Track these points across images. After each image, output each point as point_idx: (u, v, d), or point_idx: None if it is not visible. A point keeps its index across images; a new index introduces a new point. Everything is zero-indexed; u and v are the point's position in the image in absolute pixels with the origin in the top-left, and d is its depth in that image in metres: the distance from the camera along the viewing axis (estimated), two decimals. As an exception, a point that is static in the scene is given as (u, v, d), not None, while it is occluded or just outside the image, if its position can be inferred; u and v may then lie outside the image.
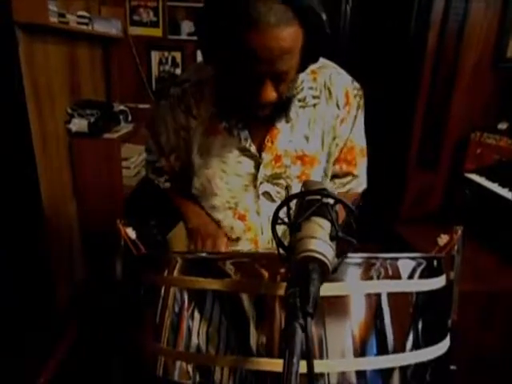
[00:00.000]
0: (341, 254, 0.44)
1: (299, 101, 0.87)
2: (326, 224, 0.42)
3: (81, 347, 1.75)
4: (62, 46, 1.90)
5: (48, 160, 1.78)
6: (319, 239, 0.40)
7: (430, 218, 2.21)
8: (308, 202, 0.44)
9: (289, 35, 0.64)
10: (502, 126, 2.08)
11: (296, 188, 0.91)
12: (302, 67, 0.76)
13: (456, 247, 0.69)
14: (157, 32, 2.47)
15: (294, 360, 0.34)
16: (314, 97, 0.88)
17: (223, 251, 0.85)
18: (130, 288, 0.69)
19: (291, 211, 0.46)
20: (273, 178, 0.92)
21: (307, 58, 0.74)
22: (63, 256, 1.98)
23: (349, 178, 1.01)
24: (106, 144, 1.99)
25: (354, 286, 0.56)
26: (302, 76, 0.86)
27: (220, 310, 0.56)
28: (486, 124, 2.11)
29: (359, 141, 0.97)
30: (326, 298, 0.54)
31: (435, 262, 0.64)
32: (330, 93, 0.88)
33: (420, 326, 0.58)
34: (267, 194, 0.93)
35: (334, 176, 1.00)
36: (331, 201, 0.45)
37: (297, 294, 0.37)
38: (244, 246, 0.99)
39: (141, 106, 2.47)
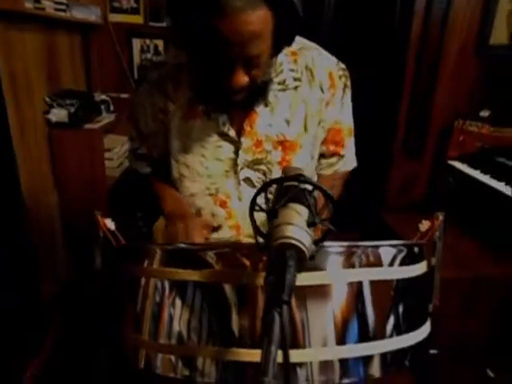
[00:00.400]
0: (319, 240, 0.43)
1: (279, 84, 0.86)
2: (304, 210, 0.42)
3: (66, 342, 1.73)
4: (39, 33, 1.84)
5: (27, 151, 1.73)
6: (296, 226, 0.39)
7: (414, 206, 2.24)
8: (286, 189, 0.44)
9: (257, 19, 0.63)
10: (484, 113, 2.10)
11: (276, 174, 0.90)
12: (276, 51, 0.75)
13: (437, 233, 0.70)
14: (137, 19, 2.41)
15: (272, 348, 0.33)
16: (295, 79, 0.87)
17: (196, 235, 0.83)
18: (109, 280, 0.68)
19: (270, 198, 0.45)
20: (253, 164, 0.90)
21: (280, 41, 0.73)
22: (45, 248, 1.94)
23: (335, 159, 1.01)
24: (88, 135, 1.95)
25: (335, 275, 0.56)
26: (281, 58, 0.85)
27: (201, 300, 0.55)
28: (469, 111, 2.13)
29: (347, 121, 0.97)
30: (307, 287, 0.54)
31: (416, 249, 0.65)
32: (312, 75, 0.87)
33: (401, 312, 0.59)
34: (248, 180, 0.92)
35: (321, 155, 0.99)
36: (309, 187, 0.44)
37: (274, 281, 0.36)
38: (226, 234, 0.97)
39: (123, 95, 2.42)
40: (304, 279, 0.53)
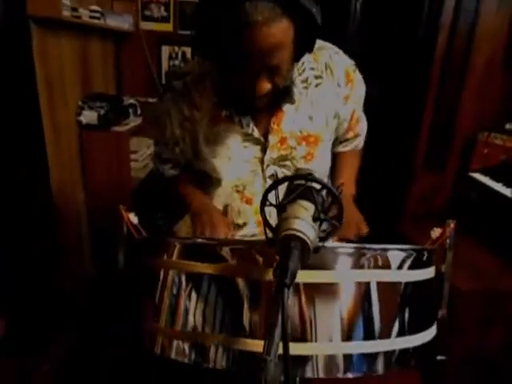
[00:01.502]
0: (326, 236, 0.46)
1: (302, 82, 0.91)
2: (310, 206, 0.45)
3: (84, 337, 1.78)
4: (75, 40, 1.94)
5: (58, 150, 1.82)
6: (302, 219, 0.42)
7: (434, 219, 2.21)
8: (295, 186, 0.47)
9: (278, 31, 0.67)
10: (511, 126, 2.07)
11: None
12: (297, 57, 0.79)
13: (448, 241, 0.71)
14: (167, 27, 2.50)
15: (276, 331, 0.36)
16: (317, 77, 0.92)
17: (221, 228, 0.88)
18: (131, 271, 0.72)
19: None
20: (279, 160, 0.94)
21: (301, 49, 0.77)
22: (72, 246, 2.02)
23: (352, 139, 1.12)
24: (115, 137, 2.03)
25: (344, 274, 0.58)
26: (302, 58, 0.88)
27: (216, 292, 0.58)
28: (494, 124, 2.11)
29: (359, 111, 1.05)
30: (317, 285, 0.57)
31: (425, 254, 0.66)
32: (331, 72, 0.92)
33: (407, 314, 0.60)
34: (274, 177, 0.95)
35: (341, 141, 1.08)
36: (317, 186, 0.47)
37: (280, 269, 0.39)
38: (251, 230, 1.02)
39: (150, 99, 2.50)
40: (313, 277, 0.56)
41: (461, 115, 2.19)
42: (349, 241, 0.86)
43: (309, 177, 0.45)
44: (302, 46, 0.77)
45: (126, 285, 0.72)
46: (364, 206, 1.07)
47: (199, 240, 0.65)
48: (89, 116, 1.99)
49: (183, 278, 0.61)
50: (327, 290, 0.57)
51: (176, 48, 2.55)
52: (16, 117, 1.56)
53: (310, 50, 0.80)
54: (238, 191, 0.98)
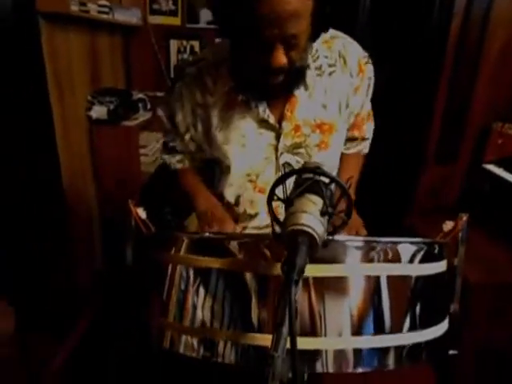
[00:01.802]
0: (334, 231, 0.45)
1: (316, 69, 0.90)
2: (318, 201, 0.44)
3: (95, 331, 1.79)
4: (83, 34, 1.94)
5: (68, 145, 1.83)
6: (309, 214, 0.42)
7: (444, 211, 2.18)
8: (303, 180, 0.46)
9: None
10: (526, 116, 2.02)
11: (316, 157, 0.95)
12: (314, 35, 0.78)
13: (460, 234, 0.70)
14: (175, 21, 2.49)
15: (283, 327, 0.36)
16: (330, 65, 0.91)
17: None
18: (139, 266, 0.72)
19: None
20: (293, 148, 0.94)
21: (318, 26, 0.76)
22: (83, 240, 2.05)
23: (358, 141, 1.11)
24: (125, 131, 2.03)
25: (353, 268, 0.58)
26: (316, 45, 0.88)
27: (224, 287, 0.58)
28: (509, 114, 2.06)
29: (368, 107, 1.04)
30: (326, 279, 0.56)
31: (436, 248, 0.65)
32: (344, 61, 0.91)
33: (418, 308, 0.59)
34: (288, 165, 0.94)
35: (346, 140, 1.06)
36: (326, 180, 0.46)
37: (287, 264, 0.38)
38: (263, 221, 1.02)
39: (159, 94, 2.50)
40: (323, 271, 0.55)
41: (474, 103, 2.14)
42: None
43: (317, 170, 0.45)
44: (319, 24, 0.75)
45: (134, 280, 0.72)
46: (372, 198, 1.07)
47: (207, 234, 0.65)
48: (99, 111, 2.00)
49: (191, 273, 0.61)
50: (337, 284, 0.57)
51: (184, 42, 2.53)
52: (26, 112, 1.57)
53: (326, 29, 0.79)
54: (250, 181, 0.97)
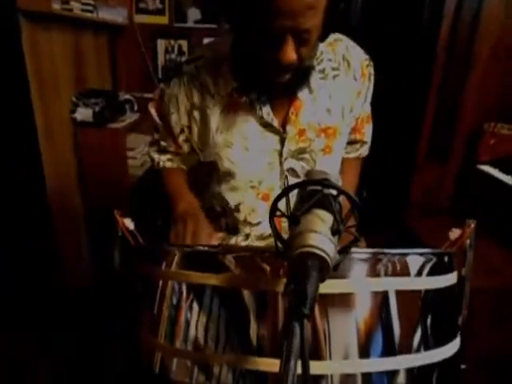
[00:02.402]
0: (343, 249, 0.41)
1: (320, 72, 0.87)
2: (328, 217, 0.39)
3: (85, 341, 1.74)
4: (67, 34, 1.87)
5: (52, 149, 1.77)
6: (319, 233, 0.37)
7: (440, 211, 2.17)
8: (309, 193, 0.41)
9: None
10: (517, 115, 2.01)
11: (321, 162, 0.92)
12: (324, 34, 0.74)
13: (468, 242, 0.66)
14: (163, 20, 2.42)
15: (291, 363, 0.31)
16: (334, 68, 0.88)
17: (204, 239, 0.81)
18: (127, 280, 0.67)
19: (293, 202, 0.43)
20: (297, 153, 0.90)
21: (329, 24, 0.72)
22: (69, 245, 1.97)
23: (359, 145, 1.07)
24: (111, 133, 1.97)
25: (359, 283, 0.53)
26: (321, 47, 0.85)
27: (219, 305, 0.54)
28: (501, 114, 2.05)
29: (368, 109, 1.01)
30: (329, 296, 0.52)
31: (446, 258, 0.61)
32: (348, 64, 0.89)
33: (429, 325, 0.55)
34: (292, 171, 0.91)
35: (348, 143, 1.03)
36: (334, 192, 0.41)
37: (295, 291, 0.34)
38: (266, 229, 0.97)
39: (147, 95, 2.43)
40: (326, 287, 0.51)
41: (465, 104, 2.13)
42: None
43: (325, 182, 0.40)
44: (331, 21, 0.71)
45: (123, 296, 0.67)
46: (368, 198, 1.04)
47: (200, 248, 0.60)
48: (84, 113, 1.93)
49: (183, 290, 0.56)
50: (342, 301, 0.53)
51: (172, 41, 2.48)
52: (7, 115, 1.51)
53: (334, 30, 0.77)
54: (252, 187, 0.93)
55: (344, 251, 0.41)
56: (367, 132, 1.05)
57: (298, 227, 0.38)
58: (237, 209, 0.95)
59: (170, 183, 1.03)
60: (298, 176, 0.92)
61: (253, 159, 0.90)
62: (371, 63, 0.93)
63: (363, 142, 1.07)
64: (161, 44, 2.48)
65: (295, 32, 0.67)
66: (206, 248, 0.61)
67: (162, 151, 1.04)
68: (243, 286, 0.53)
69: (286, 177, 0.51)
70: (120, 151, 2.00)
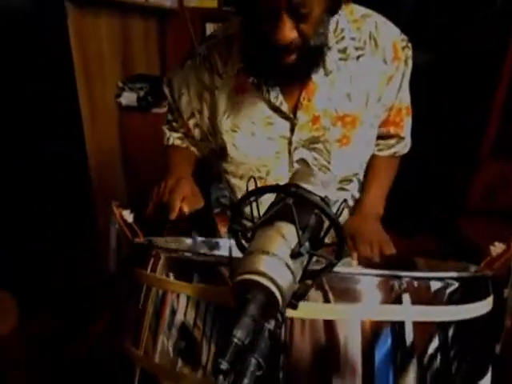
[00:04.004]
0: (313, 275, 0.32)
1: (339, 51, 0.76)
2: (293, 234, 0.31)
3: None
4: (114, 18, 1.88)
5: (97, 135, 1.80)
6: (272, 256, 0.29)
7: (500, 214, 1.91)
8: (279, 200, 0.33)
9: None
10: None
11: (336, 154, 0.82)
12: (332, 7, 0.66)
13: (513, 261, 0.55)
14: (212, 3, 2.37)
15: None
16: (357, 48, 0.77)
17: (178, 192, 0.73)
18: (121, 280, 0.63)
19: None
20: (309, 143, 0.81)
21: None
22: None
23: (394, 141, 0.93)
24: (154, 118, 1.96)
25: (371, 311, 0.44)
26: (343, 24, 0.76)
27: (204, 319, 0.47)
28: None
29: (406, 99, 0.88)
30: (335, 323, 0.43)
31: (481, 282, 0.50)
32: (376, 44, 0.77)
33: (455, 365, 0.45)
34: (303, 162, 0.83)
35: (378, 137, 0.90)
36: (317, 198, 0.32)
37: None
38: None
39: (194, 80, 2.42)
40: (332, 313, 0.43)
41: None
42: (371, 263, 0.71)
43: (293, 190, 0.31)
44: None
45: (114, 296, 0.64)
46: (419, 199, 0.90)
47: (187, 254, 0.54)
48: (128, 97, 1.95)
49: (169, 299, 0.51)
50: (349, 332, 0.44)
51: (221, 25, 2.42)
52: (53, 100, 1.54)
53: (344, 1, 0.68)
54: (260, 178, 0.86)
55: (313, 278, 0.33)
56: (405, 126, 0.91)
57: (251, 244, 0.31)
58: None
59: (172, 159, 0.95)
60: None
61: (259, 146, 0.82)
62: (409, 45, 0.80)
63: (399, 138, 0.92)
64: (210, 28, 2.44)
65: (289, 7, 0.60)
66: (195, 256, 0.54)
67: (174, 130, 0.99)
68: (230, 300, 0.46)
69: (254, 178, 0.42)
70: (161, 136, 2.00)
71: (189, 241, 0.82)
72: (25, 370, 1.15)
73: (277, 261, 0.29)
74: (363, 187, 0.94)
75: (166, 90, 0.94)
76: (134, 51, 2.11)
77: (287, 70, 0.70)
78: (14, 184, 1.45)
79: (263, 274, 0.28)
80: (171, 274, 0.51)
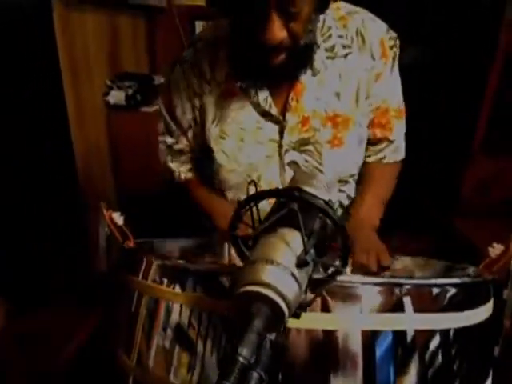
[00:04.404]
0: (321, 283, 0.31)
1: (326, 50, 0.75)
2: (297, 240, 0.29)
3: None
4: (102, 15, 1.84)
5: (84, 132, 1.76)
6: (277, 265, 0.27)
7: (494, 211, 1.91)
8: (281, 204, 0.31)
9: None
10: None
11: (328, 156, 0.79)
12: (321, 3, 0.65)
13: (513, 263, 0.54)
14: (201, 1, 2.34)
15: None
16: (345, 46, 0.75)
17: None
18: (111, 285, 0.61)
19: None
20: (300, 145, 0.79)
21: None
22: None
23: (383, 145, 0.88)
24: (143, 117, 1.94)
25: (371, 320, 0.43)
26: (329, 22, 0.75)
27: (198, 328, 0.45)
28: None
29: (396, 100, 0.84)
30: (336, 333, 0.42)
31: (482, 286, 0.49)
32: (363, 40, 0.75)
33: (457, 372, 0.44)
34: (294, 164, 0.81)
35: (368, 143, 0.87)
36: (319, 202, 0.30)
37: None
38: None
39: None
40: (329, 323, 0.41)
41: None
42: (368, 272, 0.70)
43: (296, 194, 0.29)
44: None
45: (105, 301, 0.61)
46: (412, 195, 0.87)
47: (181, 262, 0.51)
48: (116, 96, 1.91)
49: (162, 308, 0.49)
50: (349, 341, 0.42)
51: (210, 23, 2.39)
52: (38, 98, 1.50)
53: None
54: (252, 182, 0.83)
55: (320, 287, 0.31)
56: (395, 129, 0.86)
57: (252, 252, 0.29)
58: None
59: (198, 197, 0.95)
60: None
61: (249, 151, 0.80)
62: (397, 43, 0.78)
63: (388, 141, 0.87)
64: (199, 26, 2.41)
65: (279, 6, 0.59)
66: (189, 265, 0.52)
67: (177, 156, 0.96)
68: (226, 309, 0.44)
69: (254, 182, 0.40)
70: (151, 135, 1.96)
71: (182, 242, 0.80)
72: (15, 369, 1.12)
73: (282, 270, 0.27)
74: (358, 195, 0.91)
75: (162, 105, 0.91)
76: (122, 49, 2.07)
77: (276, 70, 0.68)
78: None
79: (268, 285, 0.26)
80: (164, 282, 0.49)
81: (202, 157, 0.93)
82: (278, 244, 0.29)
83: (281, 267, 0.27)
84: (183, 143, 0.92)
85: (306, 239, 0.29)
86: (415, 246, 1.74)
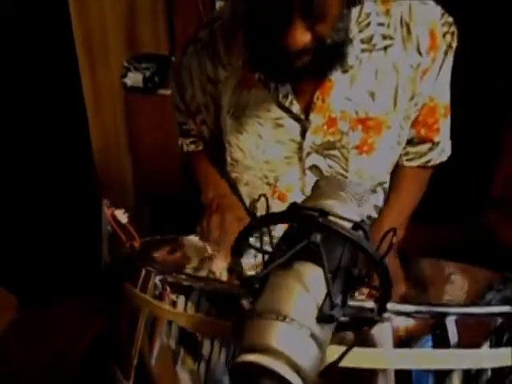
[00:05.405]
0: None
1: (363, 42, 0.64)
2: (320, 282, 0.22)
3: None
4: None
5: (101, 113, 1.73)
6: (291, 322, 0.20)
7: None
8: (300, 229, 0.24)
9: None
10: None
11: (355, 163, 0.70)
12: (352, 0, 0.55)
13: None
14: (222, -22, 2.25)
15: None
16: (385, 36, 0.64)
17: (231, 232, 0.67)
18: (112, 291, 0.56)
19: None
20: (324, 148, 0.70)
21: None
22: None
23: (427, 147, 0.76)
24: (160, 100, 1.89)
25: (385, 356, 0.36)
26: (368, 7, 0.63)
27: (198, 352, 0.40)
28: None
29: (443, 97, 0.72)
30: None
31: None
32: (408, 31, 0.64)
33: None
34: (316, 169, 0.73)
35: (408, 142, 0.76)
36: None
37: None
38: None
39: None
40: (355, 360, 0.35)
41: None
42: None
43: (320, 221, 0.22)
44: None
45: (108, 308, 0.56)
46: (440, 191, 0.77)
47: (183, 277, 0.46)
48: (134, 78, 1.87)
49: (163, 327, 0.43)
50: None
51: (229, 2, 2.30)
52: (53, 80, 1.47)
53: None
54: (268, 184, 0.77)
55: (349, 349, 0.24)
56: (442, 129, 0.74)
57: (258, 300, 0.22)
58: (252, 207, 0.79)
59: (197, 167, 0.91)
60: None
61: (267, 149, 0.73)
62: (452, 30, 0.65)
63: (433, 143, 0.76)
64: (219, 6, 2.32)
65: (303, 6, 0.50)
66: (195, 282, 0.46)
67: (185, 135, 0.91)
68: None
69: (265, 195, 0.34)
70: (168, 118, 1.91)
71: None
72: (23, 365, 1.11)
73: (297, 330, 0.20)
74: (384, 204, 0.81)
75: (173, 84, 0.84)
76: (140, 30, 2.01)
77: (299, 70, 0.59)
78: (16, 168, 1.39)
79: (276, 353, 0.19)
80: (164, 295, 0.43)
81: (214, 146, 0.87)
82: (293, 287, 0.22)
83: (296, 325, 0.20)
84: (190, 126, 0.87)
85: (330, 279, 0.21)
86: (441, 237, 1.66)
